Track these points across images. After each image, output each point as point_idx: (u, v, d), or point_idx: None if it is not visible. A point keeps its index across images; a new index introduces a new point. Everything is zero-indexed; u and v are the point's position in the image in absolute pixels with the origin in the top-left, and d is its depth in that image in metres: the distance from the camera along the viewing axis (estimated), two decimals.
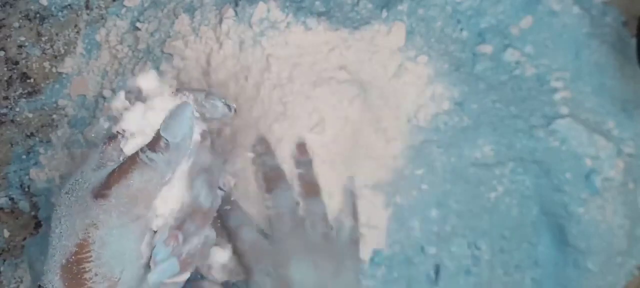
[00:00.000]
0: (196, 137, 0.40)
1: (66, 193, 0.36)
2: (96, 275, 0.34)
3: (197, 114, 0.41)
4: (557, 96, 0.52)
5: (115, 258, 0.35)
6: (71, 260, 0.35)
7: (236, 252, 0.44)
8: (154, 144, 0.37)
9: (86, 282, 0.34)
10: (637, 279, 0.52)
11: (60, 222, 0.36)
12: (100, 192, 0.35)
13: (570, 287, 0.51)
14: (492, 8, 0.53)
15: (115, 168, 0.36)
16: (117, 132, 0.39)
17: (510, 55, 0.52)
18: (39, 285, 0.36)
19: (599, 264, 0.50)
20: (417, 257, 0.49)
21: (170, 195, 0.38)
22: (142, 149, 0.36)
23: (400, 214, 0.49)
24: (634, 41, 0.53)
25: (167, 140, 0.37)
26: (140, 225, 0.36)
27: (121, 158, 0.38)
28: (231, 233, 0.44)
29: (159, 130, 0.37)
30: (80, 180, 0.36)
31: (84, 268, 0.34)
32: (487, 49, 0.52)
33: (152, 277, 0.36)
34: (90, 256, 0.34)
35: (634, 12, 0.55)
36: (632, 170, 0.51)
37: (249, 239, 0.44)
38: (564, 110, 0.51)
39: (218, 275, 0.44)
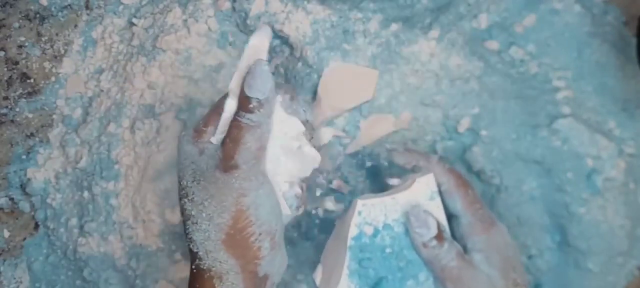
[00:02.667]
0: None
1: (193, 182, 0.39)
2: (260, 234, 0.38)
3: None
4: (559, 95, 0.52)
5: (269, 214, 0.39)
6: (231, 232, 0.37)
7: None
8: (246, 106, 0.39)
9: (253, 244, 0.38)
10: (637, 279, 0.52)
11: (203, 206, 0.38)
12: (228, 164, 0.38)
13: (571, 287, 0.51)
14: (494, 5, 0.53)
15: (225, 140, 0.38)
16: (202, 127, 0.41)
17: (515, 53, 0.52)
18: (199, 269, 0.38)
19: (599, 264, 0.50)
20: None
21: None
22: (239, 114, 0.39)
23: None
24: (634, 41, 0.53)
25: (257, 98, 0.38)
26: (268, 179, 0.40)
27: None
28: None
29: (244, 92, 0.39)
30: (196, 168, 0.39)
31: (247, 233, 0.37)
32: (493, 45, 0.52)
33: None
34: (250, 221, 0.37)
35: (634, 12, 0.55)
36: (633, 170, 0.51)
37: None
38: (566, 109, 0.51)
39: None
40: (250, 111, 0.38)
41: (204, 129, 0.40)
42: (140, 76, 0.54)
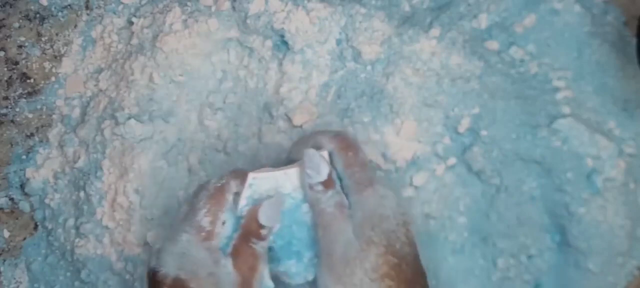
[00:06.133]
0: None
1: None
2: None
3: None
4: (559, 95, 0.51)
5: None
6: None
7: None
8: (259, 234, 0.40)
9: None
10: (637, 280, 0.52)
11: None
12: None
13: None
14: (494, 5, 0.53)
15: (239, 261, 0.39)
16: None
17: (515, 53, 0.52)
18: None
19: (599, 264, 0.50)
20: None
21: None
22: (252, 241, 0.40)
23: None
24: (634, 41, 0.53)
25: (269, 227, 0.40)
26: None
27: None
28: None
29: (257, 220, 0.40)
30: (217, 282, 0.39)
31: None
32: (493, 45, 0.52)
33: None
34: None
35: (634, 12, 0.55)
36: (634, 171, 0.51)
37: None
38: (566, 109, 0.51)
39: None
40: (262, 239, 0.40)
41: (210, 228, 0.40)
42: (138, 76, 0.54)
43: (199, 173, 0.53)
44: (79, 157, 0.56)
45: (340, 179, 0.42)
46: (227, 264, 0.39)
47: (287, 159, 0.46)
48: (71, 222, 0.55)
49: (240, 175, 0.42)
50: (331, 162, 0.42)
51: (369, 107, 0.51)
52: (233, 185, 0.41)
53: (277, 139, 0.51)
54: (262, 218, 0.40)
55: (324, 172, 0.41)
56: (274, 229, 0.40)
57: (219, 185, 0.41)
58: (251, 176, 0.41)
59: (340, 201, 0.41)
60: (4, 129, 0.59)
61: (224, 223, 0.41)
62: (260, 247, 0.40)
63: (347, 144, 0.43)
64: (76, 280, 0.55)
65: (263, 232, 0.40)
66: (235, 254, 0.39)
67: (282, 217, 0.41)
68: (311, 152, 0.41)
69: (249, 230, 0.40)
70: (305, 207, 0.41)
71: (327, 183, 0.41)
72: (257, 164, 0.50)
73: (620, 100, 0.53)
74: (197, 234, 0.39)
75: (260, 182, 0.41)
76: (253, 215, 0.40)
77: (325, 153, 0.42)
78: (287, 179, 0.42)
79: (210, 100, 0.54)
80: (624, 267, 0.51)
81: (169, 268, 0.38)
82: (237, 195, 0.41)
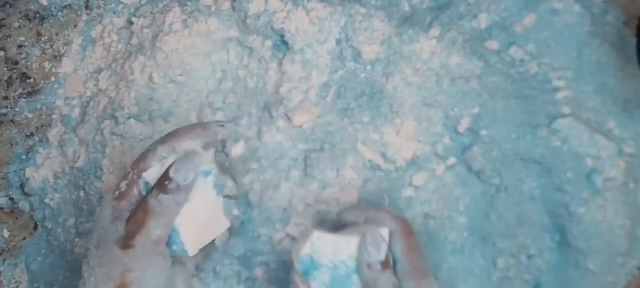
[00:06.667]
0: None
1: (95, 246, 0.41)
2: None
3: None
4: (559, 95, 0.52)
5: None
6: None
7: None
8: (164, 186, 0.40)
9: None
10: (637, 280, 0.52)
11: (94, 271, 0.40)
12: (126, 243, 0.39)
13: None
14: (494, 5, 0.53)
15: (131, 218, 0.40)
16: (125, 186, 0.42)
17: (515, 53, 0.52)
18: None
19: (599, 264, 0.50)
20: None
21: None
22: (151, 193, 0.40)
23: None
24: (634, 41, 0.53)
25: (177, 181, 0.40)
26: (167, 257, 0.41)
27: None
28: None
29: (168, 172, 0.40)
30: (102, 234, 0.41)
31: None
32: (493, 45, 0.52)
33: None
34: None
35: (634, 12, 0.55)
36: (634, 171, 0.51)
37: None
38: (566, 109, 0.51)
39: None
40: (166, 192, 0.40)
41: (123, 191, 0.42)
42: (138, 76, 0.54)
43: None
44: (79, 157, 0.56)
45: (394, 262, 0.42)
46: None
47: (337, 220, 0.46)
48: (71, 222, 0.55)
49: (168, 140, 0.43)
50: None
51: (369, 107, 0.51)
52: (160, 151, 0.42)
53: (277, 138, 0.51)
54: (172, 171, 0.40)
55: (384, 251, 0.40)
56: (182, 187, 0.40)
57: (146, 150, 0.43)
58: (316, 235, 0.42)
59: (396, 284, 0.41)
60: (4, 129, 0.59)
61: (144, 187, 0.42)
62: (156, 200, 0.40)
63: (409, 229, 0.43)
64: (76, 279, 0.55)
65: (170, 185, 0.40)
66: (135, 208, 0.40)
67: (333, 282, 0.41)
68: (375, 230, 0.41)
69: (158, 182, 0.41)
70: (355, 279, 0.41)
71: (386, 264, 0.40)
72: (257, 164, 0.50)
73: (620, 100, 0.53)
74: (112, 193, 0.42)
75: (322, 243, 0.42)
76: (168, 168, 0.41)
77: (386, 233, 0.42)
78: (346, 246, 0.42)
79: (210, 100, 0.54)
80: (624, 267, 0.51)
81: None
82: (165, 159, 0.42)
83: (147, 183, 0.42)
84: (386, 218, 0.43)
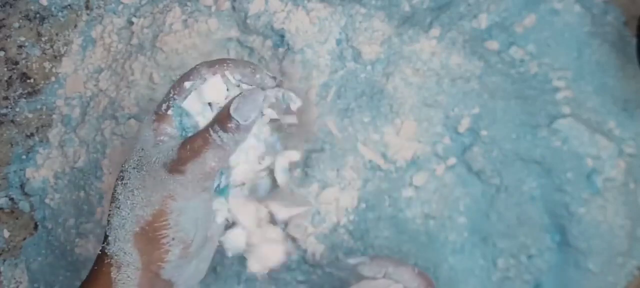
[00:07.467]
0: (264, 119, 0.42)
1: (134, 168, 0.38)
2: (173, 239, 0.38)
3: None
4: (559, 95, 0.52)
5: (191, 224, 0.38)
6: (146, 228, 0.37)
7: None
8: (224, 124, 0.38)
9: (163, 246, 0.38)
10: (637, 280, 0.52)
11: (132, 194, 0.38)
12: (176, 167, 0.37)
13: None
14: (494, 5, 0.53)
15: (187, 143, 0.38)
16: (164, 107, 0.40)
17: (515, 53, 0.52)
18: (103, 252, 0.38)
19: (599, 264, 0.50)
20: None
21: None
22: (213, 128, 0.38)
23: None
24: (634, 41, 0.53)
25: (237, 121, 0.38)
26: (211, 192, 0.40)
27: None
28: None
29: (229, 110, 0.38)
30: (144, 155, 0.38)
31: (161, 234, 0.37)
32: (493, 45, 0.52)
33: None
34: (168, 224, 0.37)
35: (634, 12, 0.55)
36: (633, 171, 0.51)
37: None
38: (566, 109, 0.51)
39: None
40: (226, 130, 0.38)
41: (165, 113, 0.39)
42: (138, 76, 0.54)
43: None
44: (79, 157, 0.56)
45: None
46: (167, 149, 0.38)
47: (357, 273, 0.44)
48: (71, 222, 0.55)
49: (215, 64, 0.40)
50: None
51: (369, 107, 0.51)
52: (204, 73, 0.40)
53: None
54: (232, 109, 0.38)
55: None
56: (242, 126, 0.38)
57: (188, 71, 0.40)
58: None
59: None
60: (4, 129, 0.59)
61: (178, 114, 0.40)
62: (217, 136, 0.38)
63: (431, 283, 0.42)
64: (76, 279, 0.55)
65: (230, 124, 0.38)
66: (193, 135, 0.38)
67: None
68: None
69: (218, 117, 0.39)
70: None
71: None
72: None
73: (620, 100, 0.53)
74: (152, 115, 0.40)
75: None
76: (228, 104, 0.39)
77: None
78: None
79: None
80: (624, 267, 0.51)
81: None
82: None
83: (182, 112, 0.40)
84: (408, 274, 0.42)
